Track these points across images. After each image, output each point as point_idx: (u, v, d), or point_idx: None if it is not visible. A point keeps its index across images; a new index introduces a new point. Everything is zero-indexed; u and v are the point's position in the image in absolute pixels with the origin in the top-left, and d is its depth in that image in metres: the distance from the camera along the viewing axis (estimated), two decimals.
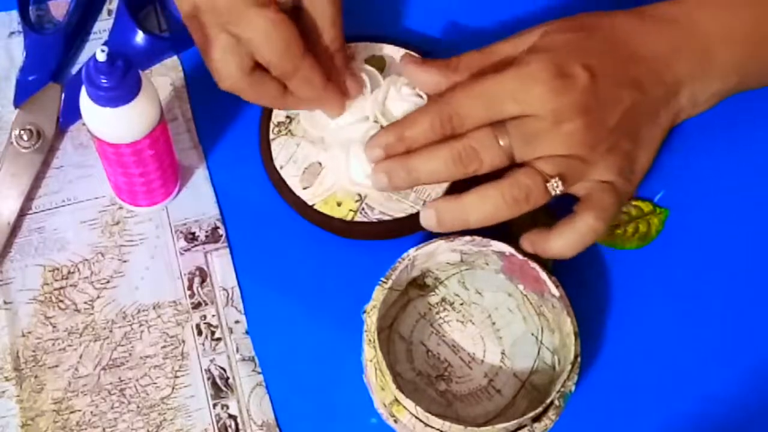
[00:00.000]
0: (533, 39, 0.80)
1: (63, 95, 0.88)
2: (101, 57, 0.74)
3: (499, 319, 0.83)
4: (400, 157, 0.79)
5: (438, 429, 0.76)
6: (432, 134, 0.79)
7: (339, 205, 0.84)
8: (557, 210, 0.81)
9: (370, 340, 0.78)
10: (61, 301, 0.84)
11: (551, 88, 0.77)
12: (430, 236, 0.82)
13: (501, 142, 0.77)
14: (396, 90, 0.85)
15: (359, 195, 0.84)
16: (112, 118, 0.77)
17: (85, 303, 0.84)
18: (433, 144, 0.79)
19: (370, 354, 0.78)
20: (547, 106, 0.77)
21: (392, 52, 0.89)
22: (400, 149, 0.79)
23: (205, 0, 0.77)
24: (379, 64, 0.88)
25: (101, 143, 0.79)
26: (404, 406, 0.77)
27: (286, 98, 0.81)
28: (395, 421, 0.78)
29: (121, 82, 0.75)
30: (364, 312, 0.79)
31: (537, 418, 0.77)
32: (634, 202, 0.86)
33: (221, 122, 0.89)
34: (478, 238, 0.80)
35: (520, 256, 0.79)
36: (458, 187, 0.81)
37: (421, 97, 0.85)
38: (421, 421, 0.76)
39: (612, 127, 0.78)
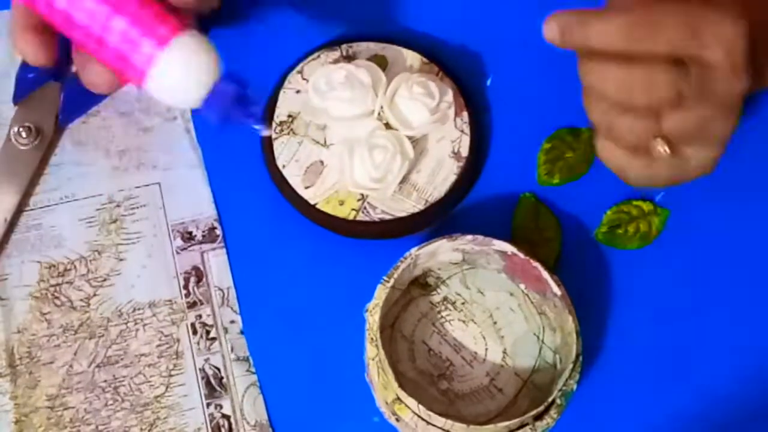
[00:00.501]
0: None
1: (62, 93, 0.87)
2: None
3: (501, 319, 0.82)
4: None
5: (440, 427, 0.75)
6: (620, 39, 0.69)
7: (341, 204, 0.84)
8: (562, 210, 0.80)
9: (372, 339, 0.77)
10: (57, 297, 0.83)
11: (744, 40, 0.68)
12: (432, 236, 0.81)
13: (680, 80, 0.70)
14: (407, 88, 0.84)
15: (361, 194, 0.84)
16: None
17: (81, 300, 0.83)
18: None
19: (372, 353, 0.77)
20: (734, 56, 0.68)
21: (394, 52, 0.88)
22: (576, 37, 0.71)
23: None
24: (381, 63, 0.87)
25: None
26: (406, 405, 0.76)
27: None
28: (397, 420, 0.77)
29: None
30: (366, 311, 0.79)
31: (539, 417, 0.76)
32: (635, 202, 0.86)
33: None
34: (480, 237, 0.79)
35: (521, 256, 0.79)
36: None
37: (432, 98, 0.84)
38: (423, 419, 0.76)
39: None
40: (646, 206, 0.86)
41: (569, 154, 0.87)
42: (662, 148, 0.73)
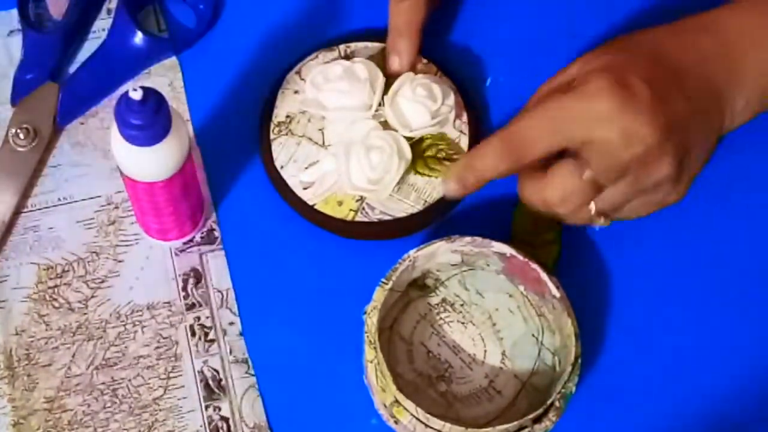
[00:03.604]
0: (575, 70, 0.78)
1: (60, 94, 0.87)
2: (135, 96, 0.71)
3: (500, 320, 0.82)
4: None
5: (438, 430, 0.75)
6: (501, 166, 0.76)
7: (339, 204, 0.84)
8: None
9: (370, 341, 0.77)
10: (55, 299, 0.83)
11: (618, 103, 0.74)
12: (430, 237, 0.81)
13: (585, 175, 0.75)
14: (411, 89, 0.84)
15: (360, 195, 0.84)
16: (145, 157, 0.74)
17: (79, 302, 0.83)
18: (524, 178, 0.78)
19: (371, 355, 0.77)
20: (616, 124, 0.74)
21: None
22: (472, 180, 0.77)
23: None
24: (379, 63, 0.87)
25: (133, 182, 0.77)
26: (405, 408, 0.76)
27: None
28: (396, 422, 0.77)
29: (154, 120, 0.72)
30: (365, 313, 0.79)
31: (537, 419, 0.76)
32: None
33: (219, 123, 0.88)
34: (479, 239, 0.79)
35: (521, 257, 0.79)
36: None
37: (434, 101, 0.84)
38: (421, 422, 0.76)
39: (673, 142, 0.75)
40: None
41: None
42: (600, 221, 0.80)
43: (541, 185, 0.77)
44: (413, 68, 0.86)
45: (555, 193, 0.77)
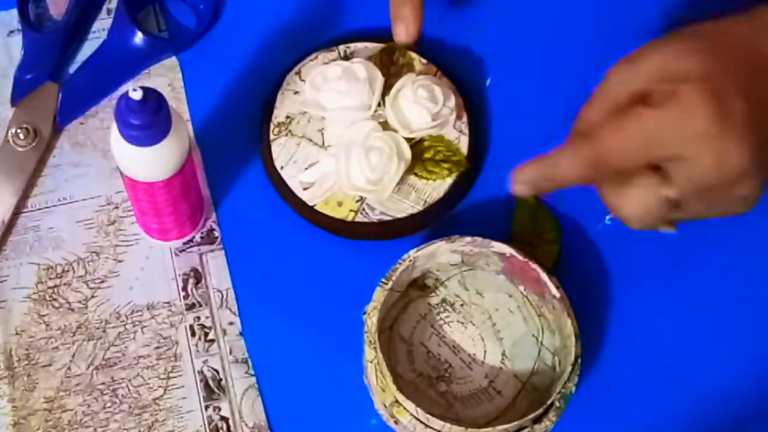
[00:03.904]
0: (654, 69, 0.72)
1: (60, 94, 0.87)
2: (135, 96, 0.71)
3: (500, 320, 0.82)
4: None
5: (438, 430, 0.75)
6: (584, 178, 0.73)
7: (339, 205, 0.84)
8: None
9: (370, 341, 0.77)
10: (55, 299, 0.83)
11: (714, 122, 0.69)
12: (430, 237, 0.81)
13: (670, 195, 0.72)
14: (412, 90, 0.84)
15: (360, 196, 0.84)
16: (145, 157, 0.74)
17: (79, 302, 0.83)
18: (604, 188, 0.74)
19: (371, 355, 0.77)
20: (711, 146, 0.69)
21: None
22: (548, 188, 0.74)
23: None
24: (379, 63, 0.87)
25: (132, 182, 0.77)
26: (405, 408, 0.76)
27: None
28: (395, 423, 0.77)
29: (154, 120, 0.72)
30: (365, 313, 0.79)
31: (537, 420, 0.76)
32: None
33: (219, 123, 0.88)
34: (479, 239, 0.79)
35: (520, 257, 0.79)
36: None
37: (435, 103, 0.84)
38: (421, 422, 0.76)
39: (763, 161, 0.71)
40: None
41: None
42: (669, 229, 0.77)
43: (620, 199, 0.74)
44: (417, 36, 0.85)
45: (634, 210, 0.73)
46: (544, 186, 0.74)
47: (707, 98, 0.69)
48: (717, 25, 0.73)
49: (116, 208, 0.86)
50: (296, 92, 0.87)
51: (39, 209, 0.86)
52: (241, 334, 0.82)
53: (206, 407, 0.81)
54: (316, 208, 0.84)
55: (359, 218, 0.84)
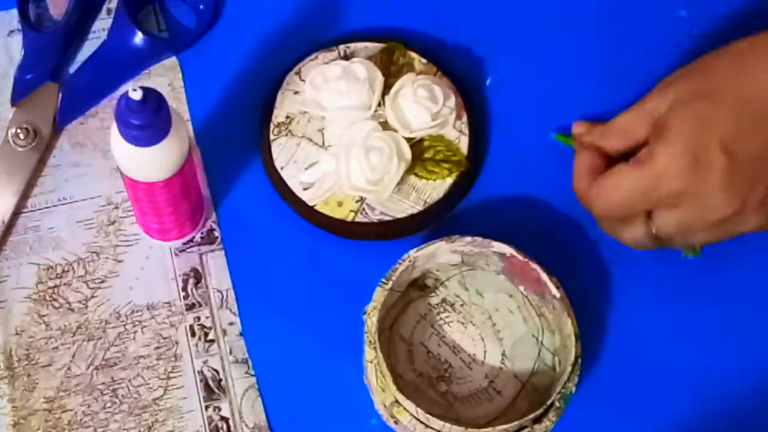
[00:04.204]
0: (658, 109, 0.77)
1: (60, 94, 0.87)
2: (135, 96, 0.71)
3: (500, 320, 0.82)
4: None
5: (438, 430, 0.75)
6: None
7: (340, 205, 0.84)
8: None
9: (370, 342, 0.77)
10: (55, 299, 0.83)
11: (687, 185, 0.74)
12: (430, 237, 0.81)
13: (653, 233, 0.78)
14: (412, 90, 0.84)
15: (360, 196, 0.84)
16: (145, 157, 0.74)
17: (79, 302, 0.83)
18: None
19: (371, 355, 0.77)
20: (687, 204, 0.75)
21: None
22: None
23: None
24: (379, 63, 0.87)
25: (133, 182, 0.77)
26: (405, 408, 0.76)
27: None
28: (395, 423, 0.77)
29: (154, 120, 0.72)
30: (365, 313, 0.79)
31: (537, 420, 0.76)
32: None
33: (219, 123, 0.88)
34: (479, 239, 0.79)
35: (521, 257, 0.79)
36: None
37: (435, 103, 0.84)
38: (421, 422, 0.75)
39: (753, 201, 0.75)
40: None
41: None
42: (691, 254, 0.83)
43: (615, 233, 0.80)
44: None
45: (627, 242, 0.80)
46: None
47: (682, 160, 0.74)
48: (727, 63, 0.76)
49: (116, 208, 0.86)
50: (296, 92, 0.87)
51: (39, 209, 0.86)
52: (241, 334, 0.82)
53: (206, 407, 0.81)
54: (316, 208, 0.84)
55: (359, 218, 0.84)
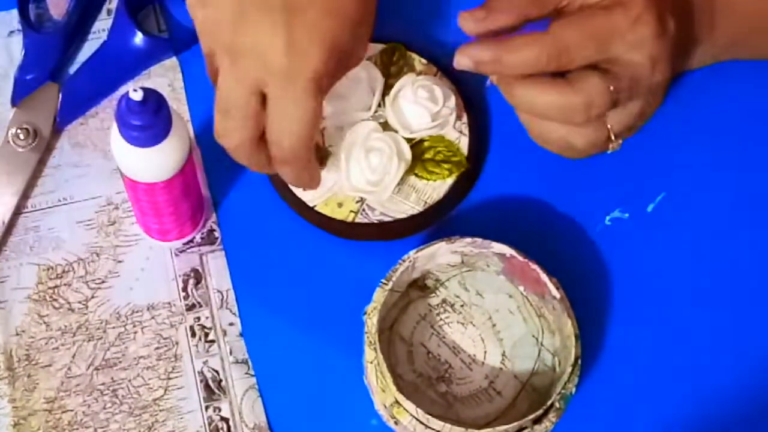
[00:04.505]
0: None
1: (61, 94, 0.88)
2: (136, 96, 0.71)
3: (500, 321, 0.82)
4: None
5: (438, 431, 0.75)
6: (534, 67, 0.76)
7: (340, 206, 0.84)
8: None
9: (370, 342, 0.77)
10: (55, 300, 0.83)
11: (657, 33, 0.77)
12: (430, 238, 0.81)
13: (611, 87, 0.77)
14: (412, 90, 0.84)
15: (360, 196, 0.84)
16: (145, 157, 0.74)
17: (79, 302, 0.83)
18: (544, 82, 0.77)
19: (371, 356, 0.77)
20: (649, 51, 0.77)
21: None
22: (490, 70, 0.78)
23: (253, 44, 0.74)
24: (379, 64, 0.87)
25: (133, 183, 0.77)
26: (405, 408, 0.76)
27: (270, 168, 0.79)
28: (395, 423, 0.77)
29: (154, 120, 0.72)
30: (365, 313, 0.79)
31: (537, 420, 0.76)
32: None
33: None
34: (479, 240, 0.79)
35: (521, 258, 0.79)
36: None
37: (435, 104, 0.84)
38: (421, 422, 0.75)
39: (671, 75, 0.80)
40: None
41: None
42: (614, 146, 0.80)
43: (565, 90, 0.77)
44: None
45: (579, 98, 0.77)
46: (488, 66, 0.77)
47: (654, 14, 0.76)
48: None
49: (116, 208, 0.86)
50: None
51: (39, 209, 0.86)
52: (241, 334, 0.83)
53: (206, 408, 0.81)
54: (316, 208, 0.84)
55: (359, 219, 0.84)
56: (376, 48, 0.88)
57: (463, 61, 0.77)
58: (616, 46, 0.76)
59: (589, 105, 0.76)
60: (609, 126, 0.79)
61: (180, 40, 0.90)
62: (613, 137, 0.79)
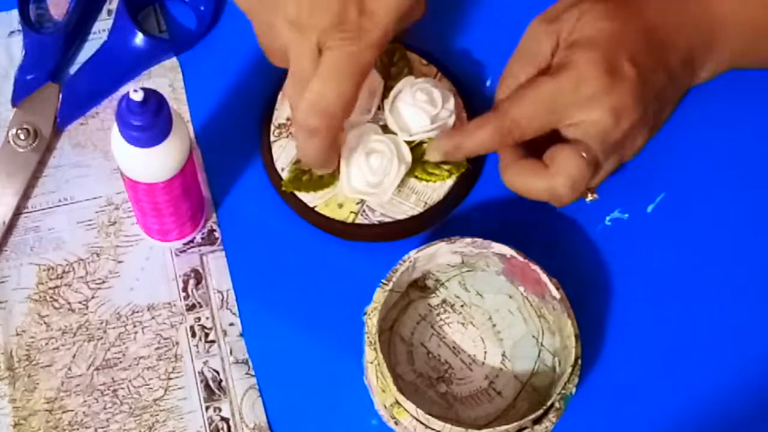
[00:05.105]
0: (569, 24, 0.81)
1: (61, 95, 0.88)
2: (136, 97, 0.71)
3: (500, 321, 0.82)
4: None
5: (438, 431, 0.75)
6: (489, 147, 0.80)
7: (340, 207, 0.84)
8: None
9: (370, 342, 0.77)
10: (56, 300, 0.83)
11: (607, 86, 0.78)
12: (430, 238, 0.81)
13: (583, 154, 0.79)
14: (411, 93, 0.84)
15: (360, 198, 0.84)
16: (146, 158, 0.74)
17: (80, 303, 0.83)
18: (525, 171, 0.80)
19: (371, 356, 0.77)
20: (606, 104, 0.78)
21: None
22: (459, 157, 0.82)
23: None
24: (378, 66, 0.87)
25: (133, 183, 0.77)
26: (405, 408, 0.76)
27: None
28: (396, 423, 0.77)
29: (155, 121, 0.72)
30: (365, 314, 0.79)
31: (537, 420, 0.76)
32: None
33: (219, 124, 0.89)
34: (479, 240, 0.79)
35: (521, 258, 0.79)
36: None
37: (434, 106, 0.84)
38: (421, 423, 0.76)
39: (650, 114, 0.81)
40: None
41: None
42: (592, 197, 0.82)
43: (544, 175, 0.79)
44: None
45: (561, 180, 0.79)
46: (454, 154, 0.81)
47: (600, 67, 0.78)
48: None
49: (117, 208, 0.86)
50: None
51: (40, 210, 0.86)
52: (241, 334, 0.83)
53: (207, 408, 0.81)
54: (316, 209, 0.84)
55: (359, 220, 0.84)
56: None
57: (432, 155, 0.82)
58: (568, 110, 0.78)
59: (572, 184, 0.79)
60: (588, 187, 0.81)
61: (180, 41, 0.90)
62: (590, 194, 0.82)
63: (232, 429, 0.80)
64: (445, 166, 0.84)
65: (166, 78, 0.89)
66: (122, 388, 0.81)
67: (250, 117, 0.88)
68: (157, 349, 0.82)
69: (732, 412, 0.82)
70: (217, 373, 0.82)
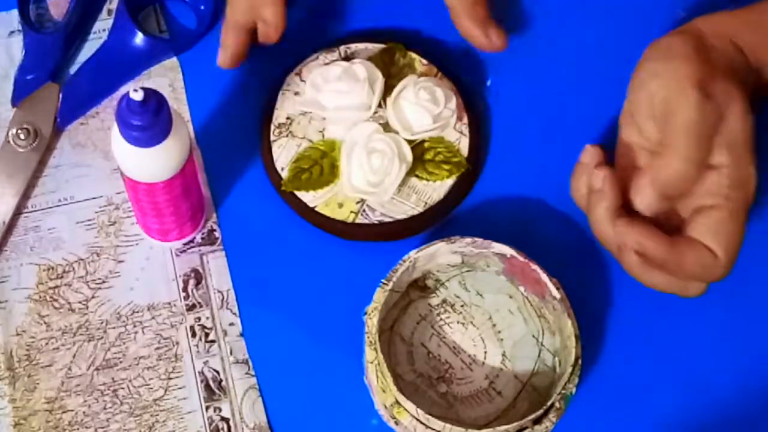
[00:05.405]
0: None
1: (61, 95, 0.88)
2: (136, 97, 0.71)
3: (500, 321, 0.82)
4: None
5: (438, 431, 0.75)
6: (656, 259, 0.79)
7: (340, 206, 0.84)
8: None
9: (371, 342, 0.77)
10: (56, 300, 0.83)
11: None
12: (431, 238, 0.81)
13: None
14: (414, 92, 0.84)
15: (360, 198, 0.84)
16: (146, 157, 0.75)
17: (80, 303, 0.83)
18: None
19: (371, 356, 0.77)
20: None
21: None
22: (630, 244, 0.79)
23: None
24: (379, 64, 0.87)
25: (133, 183, 0.77)
26: (405, 408, 0.76)
27: None
28: (396, 423, 0.77)
29: (155, 121, 0.72)
30: (365, 314, 0.79)
31: (538, 420, 0.76)
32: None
33: (220, 124, 0.88)
34: (479, 240, 0.79)
35: (521, 258, 0.79)
36: None
37: (436, 105, 0.84)
38: (421, 423, 0.76)
39: None
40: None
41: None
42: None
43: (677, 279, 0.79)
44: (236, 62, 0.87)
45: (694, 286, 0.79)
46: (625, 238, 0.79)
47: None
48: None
49: (117, 208, 0.86)
50: (297, 93, 0.87)
51: (40, 210, 0.86)
52: (241, 334, 0.83)
53: (207, 408, 0.81)
54: (316, 209, 0.84)
55: (360, 219, 0.84)
56: (376, 48, 0.88)
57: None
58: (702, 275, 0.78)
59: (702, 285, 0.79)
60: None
61: (180, 41, 0.90)
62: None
63: (232, 429, 0.80)
64: (446, 166, 0.84)
65: (166, 78, 0.89)
66: (122, 388, 0.81)
67: (250, 117, 0.88)
68: (157, 349, 0.82)
69: (732, 412, 0.82)
70: (218, 373, 0.82)
